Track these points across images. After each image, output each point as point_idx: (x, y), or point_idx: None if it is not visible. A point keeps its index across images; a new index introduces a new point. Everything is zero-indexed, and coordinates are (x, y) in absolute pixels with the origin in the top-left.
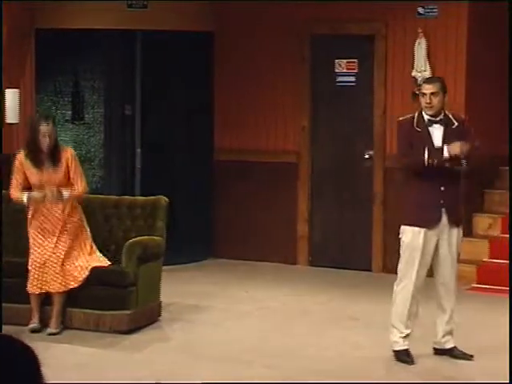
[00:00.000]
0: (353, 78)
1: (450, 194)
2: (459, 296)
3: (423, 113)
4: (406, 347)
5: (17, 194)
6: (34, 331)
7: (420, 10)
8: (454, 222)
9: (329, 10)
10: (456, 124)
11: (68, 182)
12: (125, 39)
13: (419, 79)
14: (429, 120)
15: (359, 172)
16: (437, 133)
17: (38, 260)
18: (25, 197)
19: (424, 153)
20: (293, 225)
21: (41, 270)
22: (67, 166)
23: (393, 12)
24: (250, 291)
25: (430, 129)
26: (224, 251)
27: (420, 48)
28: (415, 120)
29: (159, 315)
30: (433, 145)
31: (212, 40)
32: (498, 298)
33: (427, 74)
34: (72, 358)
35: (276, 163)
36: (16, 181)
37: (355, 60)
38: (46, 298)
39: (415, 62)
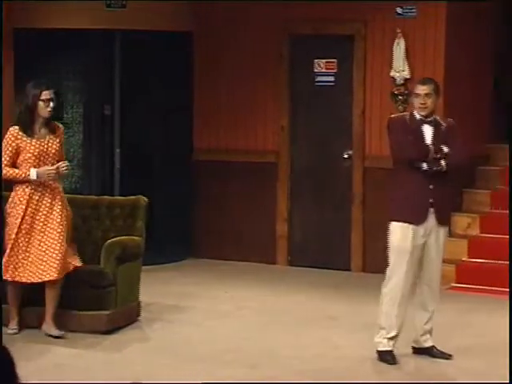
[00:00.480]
0: (332, 78)
1: (438, 192)
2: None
3: (415, 113)
4: (390, 348)
5: (10, 170)
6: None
7: (399, 10)
8: (441, 221)
9: (308, 10)
10: (445, 125)
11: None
12: (104, 39)
13: (398, 79)
14: (420, 120)
15: (338, 172)
16: (427, 132)
17: (31, 245)
18: (33, 172)
19: (426, 144)
20: (272, 225)
21: (36, 257)
22: (61, 140)
23: (372, 12)
24: (230, 291)
25: (421, 127)
26: (203, 251)
27: (399, 48)
28: (408, 118)
29: (138, 315)
30: (425, 143)
31: (191, 40)
32: (477, 298)
33: (406, 74)
34: (51, 358)
35: (255, 163)
36: (8, 157)
37: (334, 60)
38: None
39: (394, 62)
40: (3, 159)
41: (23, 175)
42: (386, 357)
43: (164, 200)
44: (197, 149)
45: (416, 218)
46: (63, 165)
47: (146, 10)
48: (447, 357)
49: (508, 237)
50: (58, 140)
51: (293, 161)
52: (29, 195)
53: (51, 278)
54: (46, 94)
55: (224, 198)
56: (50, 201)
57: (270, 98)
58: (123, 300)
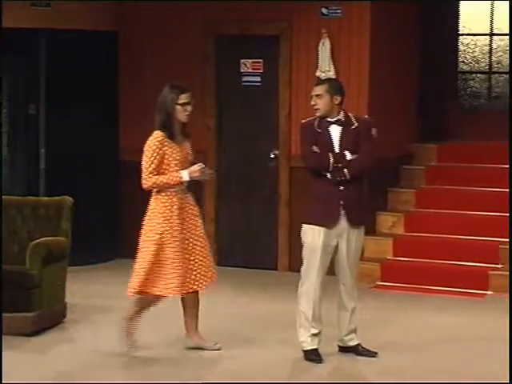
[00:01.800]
0: (258, 78)
1: (349, 194)
2: (364, 294)
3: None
4: (314, 346)
5: (160, 177)
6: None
7: (324, 10)
8: (353, 222)
9: (234, 11)
10: (355, 125)
11: None
12: (29, 38)
13: (320, 80)
14: (327, 121)
15: (265, 172)
16: (335, 133)
17: (180, 257)
18: (185, 173)
19: (327, 154)
20: None
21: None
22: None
23: (297, 13)
24: None
25: (329, 129)
26: (131, 251)
27: (324, 48)
28: (317, 121)
29: (64, 317)
30: (332, 146)
31: (116, 39)
32: (401, 296)
33: (331, 74)
34: None
35: None
36: (154, 165)
37: (260, 60)
38: None
39: (319, 63)
40: (148, 167)
41: (175, 179)
42: (311, 356)
43: (90, 200)
44: (123, 149)
45: (327, 221)
46: (202, 165)
47: (71, 10)
48: (373, 354)
49: (432, 235)
50: (190, 144)
51: (219, 161)
52: (176, 203)
53: (204, 287)
54: (183, 98)
55: (151, 198)
56: (186, 207)
57: (196, 99)
58: (49, 301)
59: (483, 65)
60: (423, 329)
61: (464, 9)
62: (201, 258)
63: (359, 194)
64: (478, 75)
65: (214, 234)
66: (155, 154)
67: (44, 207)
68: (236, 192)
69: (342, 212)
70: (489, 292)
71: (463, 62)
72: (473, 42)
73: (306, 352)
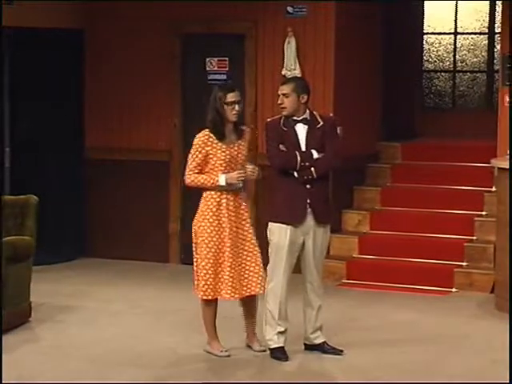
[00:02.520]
0: (224, 77)
1: (316, 192)
2: (329, 292)
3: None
4: (281, 345)
5: (198, 177)
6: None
7: (289, 9)
8: (320, 221)
9: (200, 9)
10: (321, 123)
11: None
12: None
13: (286, 79)
14: (293, 120)
15: None
16: (301, 132)
17: (229, 263)
18: (222, 178)
19: (295, 153)
20: (165, 223)
21: (237, 273)
22: (246, 144)
23: (262, 11)
24: (123, 290)
25: (295, 128)
26: (96, 250)
27: (290, 47)
28: (282, 120)
29: (29, 316)
30: (299, 144)
31: (82, 38)
32: (367, 294)
33: (297, 72)
34: None
35: (148, 161)
36: (196, 164)
37: (226, 59)
38: None
39: (285, 61)
40: (189, 164)
41: (211, 181)
42: (277, 354)
43: (56, 199)
44: (89, 147)
45: (293, 219)
46: (250, 168)
47: (35, 8)
48: (338, 352)
49: (397, 233)
50: (245, 146)
51: (185, 159)
52: (218, 202)
53: (254, 293)
54: (231, 97)
55: (117, 196)
56: (235, 209)
57: (163, 97)
58: (14, 301)
59: (447, 63)
60: (388, 326)
61: (428, 8)
62: (248, 264)
63: (325, 193)
64: (443, 74)
65: (179, 232)
66: (197, 153)
67: (9, 206)
68: (202, 190)
69: (309, 210)
70: (453, 289)
71: (428, 60)
72: (437, 41)
73: (272, 350)
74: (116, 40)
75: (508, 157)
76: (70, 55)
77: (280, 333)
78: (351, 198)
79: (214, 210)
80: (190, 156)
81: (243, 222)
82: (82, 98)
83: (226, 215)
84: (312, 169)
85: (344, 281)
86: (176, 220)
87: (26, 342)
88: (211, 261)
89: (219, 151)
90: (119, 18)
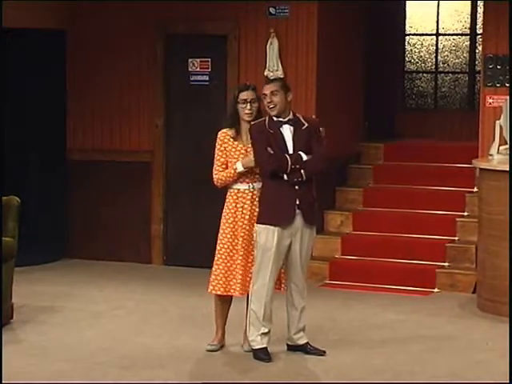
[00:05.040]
0: (206, 78)
1: (304, 194)
2: (312, 292)
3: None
4: (264, 345)
5: (222, 172)
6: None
7: (271, 10)
8: (308, 221)
9: (182, 10)
10: (306, 125)
11: None
12: None
13: (271, 78)
14: (278, 121)
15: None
16: (287, 134)
17: (240, 261)
18: (239, 164)
19: (285, 156)
20: (147, 224)
21: (244, 272)
22: None
23: (244, 12)
24: (105, 291)
25: (281, 130)
26: (78, 251)
27: (272, 48)
28: (267, 122)
29: (11, 317)
30: (286, 146)
31: (64, 38)
32: (350, 294)
33: (279, 73)
34: None
35: (130, 162)
36: (220, 162)
37: (208, 59)
38: None
39: (267, 62)
40: (215, 165)
41: (232, 171)
42: (260, 355)
43: (38, 200)
44: (70, 148)
45: (282, 221)
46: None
47: (16, 8)
48: (321, 353)
49: (379, 233)
50: None
51: (168, 160)
52: (234, 200)
53: None
54: (243, 95)
55: (98, 197)
56: (249, 207)
57: (145, 97)
58: None
59: (429, 64)
60: (371, 327)
61: (410, 9)
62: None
63: (312, 194)
64: (425, 75)
65: (161, 233)
66: (219, 152)
67: None
68: (184, 191)
69: (298, 211)
70: (435, 290)
71: (410, 61)
72: (419, 42)
73: (255, 351)
74: (98, 41)
75: (490, 157)
76: (51, 56)
77: (264, 334)
78: (333, 198)
79: (231, 207)
80: (215, 156)
81: (249, 217)
82: (63, 98)
83: (241, 213)
84: (302, 171)
85: (327, 281)
86: (158, 221)
87: (8, 343)
88: (223, 257)
89: (234, 150)
90: (101, 19)
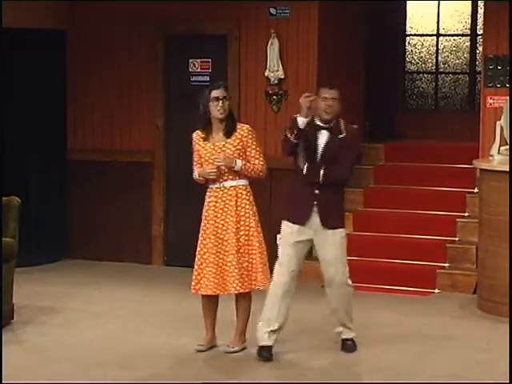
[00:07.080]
0: (207, 78)
1: (324, 197)
2: (315, 293)
3: (315, 117)
4: (269, 343)
5: (195, 172)
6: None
7: (272, 10)
8: (326, 224)
9: (183, 10)
10: (344, 134)
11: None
12: None
13: (272, 79)
14: (318, 125)
15: None
16: (322, 139)
17: (212, 259)
18: (195, 173)
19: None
20: (148, 224)
21: (218, 270)
22: (242, 143)
23: (245, 13)
24: (105, 292)
25: (317, 133)
26: (79, 252)
27: (273, 48)
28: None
29: (12, 318)
30: (316, 149)
31: (65, 38)
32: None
33: (280, 73)
34: None
35: (131, 163)
36: (195, 162)
37: (209, 60)
38: None
39: (268, 62)
40: (193, 164)
41: (195, 174)
42: (263, 353)
43: (38, 200)
44: (70, 148)
45: (297, 219)
46: (218, 158)
47: (16, 8)
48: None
49: (380, 234)
50: (234, 144)
51: (168, 160)
52: (207, 199)
53: (236, 292)
54: (215, 93)
55: (99, 198)
56: (222, 207)
57: (145, 98)
58: None
59: (430, 65)
60: (371, 327)
61: (411, 9)
62: (235, 261)
63: (336, 199)
64: (425, 75)
65: (162, 233)
66: (194, 152)
67: None
68: (184, 192)
69: (314, 213)
70: (436, 290)
71: (410, 62)
72: (420, 43)
73: (260, 348)
74: (98, 41)
75: (490, 158)
76: (52, 56)
77: (272, 331)
78: None
79: (207, 207)
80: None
81: (243, 218)
82: (63, 98)
83: (213, 212)
84: (321, 172)
85: None
86: (159, 221)
87: (9, 343)
88: (198, 256)
89: (203, 149)
90: (101, 19)
